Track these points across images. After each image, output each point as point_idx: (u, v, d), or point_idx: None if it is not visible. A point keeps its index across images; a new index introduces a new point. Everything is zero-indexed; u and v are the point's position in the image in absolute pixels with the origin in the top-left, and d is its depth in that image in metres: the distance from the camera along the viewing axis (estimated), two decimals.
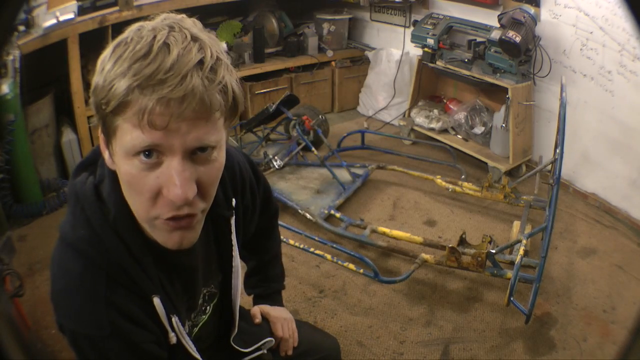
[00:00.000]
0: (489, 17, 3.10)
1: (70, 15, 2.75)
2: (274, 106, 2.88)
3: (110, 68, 0.62)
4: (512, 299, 1.85)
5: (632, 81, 2.53)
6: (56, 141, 2.96)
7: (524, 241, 2.07)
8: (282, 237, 2.32)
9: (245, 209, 0.98)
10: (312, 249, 2.29)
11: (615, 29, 2.54)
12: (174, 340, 0.82)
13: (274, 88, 3.76)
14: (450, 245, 2.10)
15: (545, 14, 2.89)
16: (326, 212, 2.59)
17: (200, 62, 0.62)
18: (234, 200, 0.92)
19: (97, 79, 0.65)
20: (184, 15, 0.69)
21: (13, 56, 2.45)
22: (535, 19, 2.82)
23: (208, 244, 0.90)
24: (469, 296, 2.20)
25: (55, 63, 2.88)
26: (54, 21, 2.67)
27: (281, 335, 1.17)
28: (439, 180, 2.80)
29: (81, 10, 2.82)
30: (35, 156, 2.72)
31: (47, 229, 2.56)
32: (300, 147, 3.07)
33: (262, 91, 3.73)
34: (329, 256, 2.25)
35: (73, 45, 2.80)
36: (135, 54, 0.61)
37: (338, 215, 2.59)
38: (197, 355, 0.87)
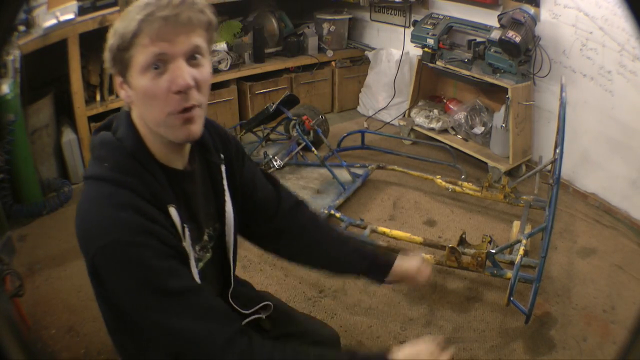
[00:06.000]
0: (489, 17, 3.10)
1: (71, 15, 2.75)
2: (274, 106, 2.88)
3: (121, 23, 0.86)
4: (512, 299, 1.85)
5: (632, 81, 2.53)
6: (56, 141, 2.96)
7: (524, 241, 2.08)
8: None
9: (230, 158, 1.15)
10: None
11: (615, 29, 2.54)
12: (187, 248, 0.97)
13: (274, 88, 3.76)
14: (450, 245, 2.10)
15: (545, 14, 2.89)
16: (326, 212, 2.59)
17: (183, 1, 0.88)
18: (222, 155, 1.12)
19: (111, 42, 0.88)
20: None
21: (13, 56, 2.45)
22: (535, 19, 2.82)
23: (206, 186, 1.08)
24: (469, 296, 2.20)
25: (55, 63, 2.88)
26: (54, 21, 2.67)
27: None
28: (439, 180, 2.80)
29: (81, 10, 2.81)
30: (35, 156, 2.72)
31: (47, 229, 2.55)
32: (300, 147, 3.07)
33: (262, 91, 3.73)
34: None
35: (73, 45, 2.80)
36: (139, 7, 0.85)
37: (338, 215, 2.58)
38: (195, 272, 0.98)
